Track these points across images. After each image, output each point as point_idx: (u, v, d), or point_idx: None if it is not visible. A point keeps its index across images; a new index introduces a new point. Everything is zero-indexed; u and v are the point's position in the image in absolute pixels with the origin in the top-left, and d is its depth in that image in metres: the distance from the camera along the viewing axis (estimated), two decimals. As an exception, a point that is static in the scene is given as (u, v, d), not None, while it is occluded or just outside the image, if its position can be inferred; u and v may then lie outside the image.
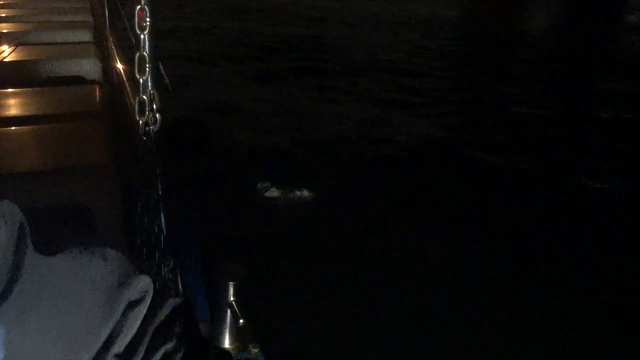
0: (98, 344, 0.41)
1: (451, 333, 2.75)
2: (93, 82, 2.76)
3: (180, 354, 0.50)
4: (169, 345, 0.49)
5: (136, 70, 1.11)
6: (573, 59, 7.12)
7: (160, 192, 1.23)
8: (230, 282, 1.66)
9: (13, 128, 2.27)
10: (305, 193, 3.99)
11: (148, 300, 0.47)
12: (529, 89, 6.45)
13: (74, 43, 3.44)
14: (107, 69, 3.05)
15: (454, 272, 3.20)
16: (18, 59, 3.12)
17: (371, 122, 5.46)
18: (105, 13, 3.48)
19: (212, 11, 10.66)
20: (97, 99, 2.43)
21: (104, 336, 0.42)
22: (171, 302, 0.51)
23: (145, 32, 1.10)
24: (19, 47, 3.30)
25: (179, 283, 1.49)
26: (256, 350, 1.82)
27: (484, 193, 4.15)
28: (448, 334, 2.75)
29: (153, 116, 1.15)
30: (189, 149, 3.91)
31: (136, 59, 1.11)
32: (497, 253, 3.39)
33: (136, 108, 1.13)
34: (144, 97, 1.14)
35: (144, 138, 1.17)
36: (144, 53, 1.11)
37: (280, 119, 5.47)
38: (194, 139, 4.20)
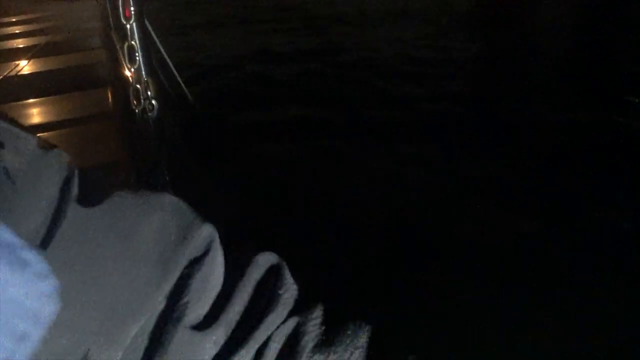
0: (148, 314, 0.35)
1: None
2: (105, 85, 2.82)
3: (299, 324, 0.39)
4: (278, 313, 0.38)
5: (126, 60, 1.13)
6: (593, 47, 6.78)
7: (167, 178, 1.25)
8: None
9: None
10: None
11: (217, 254, 0.38)
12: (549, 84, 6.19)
13: (85, 50, 3.51)
14: (118, 71, 3.11)
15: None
16: (34, 70, 3.21)
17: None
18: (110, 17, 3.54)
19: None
20: (110, 100, 2.48)
21: (157, 304, 0.35)
22: (263, 256, 0.40)
23: (131, 21, 1.12)
24: (33, 60, 3.39)
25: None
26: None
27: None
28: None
29: (149, 103, 1.17)
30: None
31: (125, 49, 1.13)
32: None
33: (131, 96, 1.16)
34: (138, 85, 1.16)
35: (143, 126, 1.19)
36: (132, 42, 1.13)
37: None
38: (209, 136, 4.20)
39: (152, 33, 1.64)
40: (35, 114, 2.67)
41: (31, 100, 2.80)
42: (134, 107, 1.16)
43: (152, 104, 1.17)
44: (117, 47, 3.46)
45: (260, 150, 4.21)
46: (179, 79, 3.26)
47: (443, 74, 6.42)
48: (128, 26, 1.11)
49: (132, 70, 1.14)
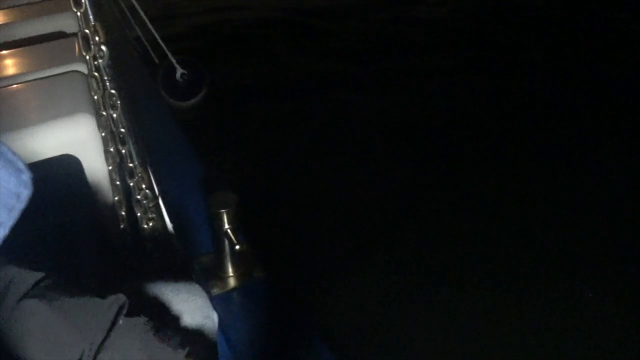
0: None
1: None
2: (72, 35, 2.72)
3: None
4: None
5: (72, 3, 1.07)
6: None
7: (123, 129, 1.21)
8: (224, 210, 1.68)
9: (4, 89, 2.27)
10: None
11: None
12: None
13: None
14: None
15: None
16: (-1, 22, 3.08)
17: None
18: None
19: None
20: (75, 50, 2.39)
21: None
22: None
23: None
24: (-2, 11, 3.25)
25: (164, 215, 1.51)
26: (261, 275, 1.86)
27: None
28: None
29: (99, 49, 1.12)
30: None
31: (68, -9, 1.07)
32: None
33: (79, 43, 1.10)
34: (86, 31, 1.10)
35: (95, 74, 1.14)
36: (75, -16, 1.07)
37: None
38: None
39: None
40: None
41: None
42: (84, 54, 1.11)
43: (102, 50, 1.12)
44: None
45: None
46: (154, 33, 3.15)
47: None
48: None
49: (79, 14, 1.08)
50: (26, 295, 0.70)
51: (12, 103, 2.06)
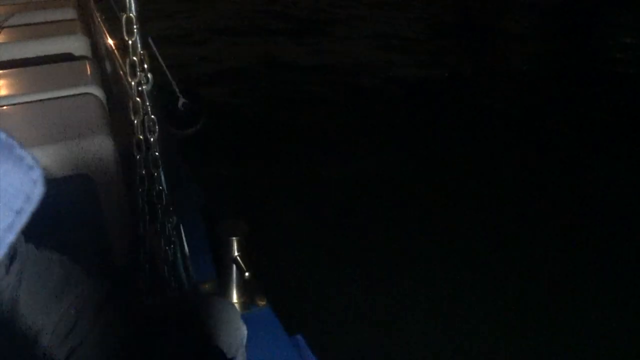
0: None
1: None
2: (82, 57, 2.76)
3: None
4: None
5: (124, 32, 1.14)
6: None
7: (158, 153, 1.27)
8: (234, 238, 1.73)
9: (5, 108, 2.29)
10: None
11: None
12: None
13: (59, 21, 3.42)
14: (95, 44, 3.05)
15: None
16: (3, 41, 3.11)
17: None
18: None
19: None
20: (88, 73, 2.44)
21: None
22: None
23: (130, -7, 1.13)
24: (4, 30, 3.28)
25: (183, 240, 1.55)
26: (263, 303, 1.89)
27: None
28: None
29: (145, 76, 1.18)
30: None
31: (123, 21, 1.13)
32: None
33: (127, 70, 1.16)
34: (134, 58, 1.17)
35: (138, 99, 1.20)
36: (130, 14, 1.13)
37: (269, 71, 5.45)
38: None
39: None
40: (4, 86, 2.59)
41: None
42: (130, 80, 1.17)
43: (148, 77, 1.18)
44: (99, 23, 3.38)
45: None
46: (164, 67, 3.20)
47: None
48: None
49: (130, 42, 1.14)
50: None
51: (26, 121, 2.08)
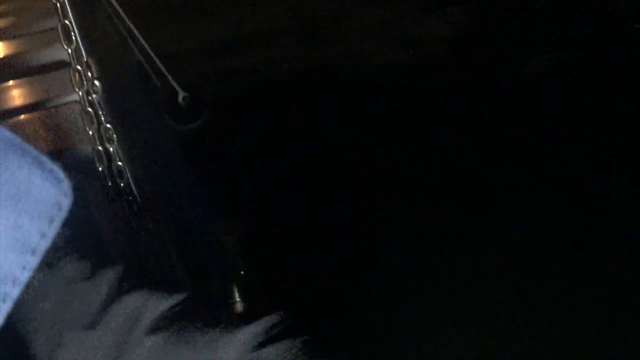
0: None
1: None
2: (66, 66, 2.73)
3: None
4: None
5: (62, 40, 1.07)
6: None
7: (121, 162, 1.21)
8: (230, 237, 1.68)
9: (10, 121, 2.29)
10: None
11: None
12: None
13: (52, 29, 3.41)
14: (79, 51, 3.02)
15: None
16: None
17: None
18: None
19: None
20: (73, 82, 2.41)
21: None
22: None
23: (63, -1, 1.06)
24: None
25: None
26: (266, 301, 1.85)
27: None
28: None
29: (93, 85, 1.12)
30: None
31: (59, 29, 1.07)
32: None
33: (72, 80, 1.10)
34: (79, 67, 1.10)
35: (89, 109, 1.14)
36: (66, 22, 1.07)
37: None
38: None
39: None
40: (4, 99, 2.59)
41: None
42: (77, 91, 1.11)
43: (96, 85, 1.12)
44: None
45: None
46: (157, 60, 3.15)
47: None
48: (58, 4, 1.05)
49: (70, 50, 1.08)
50: (155, 328, 0.75)
51: (13, 132, 2.07)
